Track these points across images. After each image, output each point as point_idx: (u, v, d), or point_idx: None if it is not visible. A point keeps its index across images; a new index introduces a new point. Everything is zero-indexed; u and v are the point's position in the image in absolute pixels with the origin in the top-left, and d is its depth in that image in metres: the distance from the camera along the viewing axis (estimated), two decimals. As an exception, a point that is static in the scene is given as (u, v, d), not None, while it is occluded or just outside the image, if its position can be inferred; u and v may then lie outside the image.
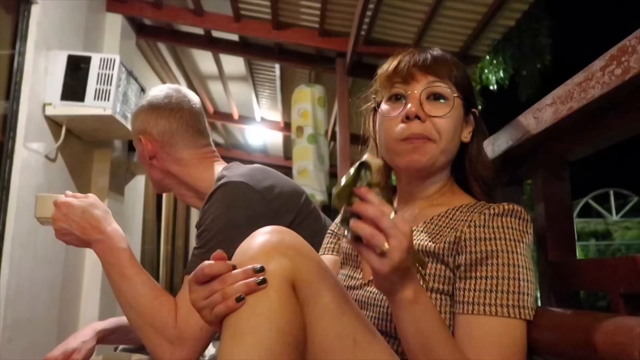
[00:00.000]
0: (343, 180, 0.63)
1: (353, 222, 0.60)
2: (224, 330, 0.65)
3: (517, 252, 0.74)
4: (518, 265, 0.74)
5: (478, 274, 0.74)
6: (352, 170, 0.63)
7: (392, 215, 0.60)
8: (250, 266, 0.66)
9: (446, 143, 0.83)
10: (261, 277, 0.65)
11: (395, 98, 0.86)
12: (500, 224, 0.76)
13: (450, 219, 0.83)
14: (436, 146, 0.82)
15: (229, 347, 0.63)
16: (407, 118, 0.82)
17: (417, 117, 0.82)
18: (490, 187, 0.87)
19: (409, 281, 0.65)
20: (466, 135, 0.89)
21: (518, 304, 0.71)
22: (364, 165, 0.63)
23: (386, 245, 0.59)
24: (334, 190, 0.63)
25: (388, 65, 0.89)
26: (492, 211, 0.78)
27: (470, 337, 0.71)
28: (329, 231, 1.07)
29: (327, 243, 1.04)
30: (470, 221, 0.78)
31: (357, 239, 0.61)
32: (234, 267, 0.67)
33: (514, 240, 0.75)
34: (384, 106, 0.88)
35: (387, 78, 0.88)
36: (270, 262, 0.67)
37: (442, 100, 0.84)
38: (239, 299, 0.64)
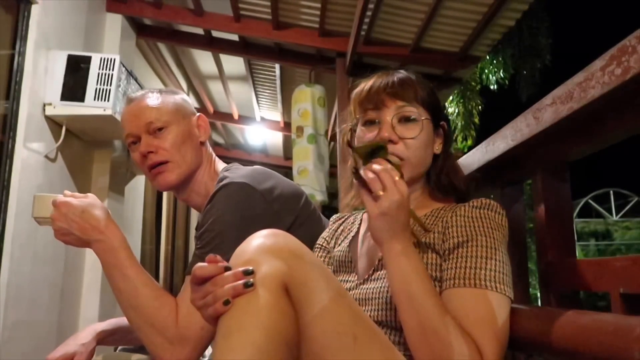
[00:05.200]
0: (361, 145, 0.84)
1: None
2: (217, 329, 0.67)
3: (493, 237, 0.83)
4: (494, 248, 0.81)
5: (459, 254, 0.82)
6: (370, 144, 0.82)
7: (397, 177, 0.74)
8: (240, 269, 0.68)
9: (417, 160, 0.92)
10: (250, 280, 0.67)
11: (370, 123, 0.94)
12: (479, 215, 0.86)
13: (436, 217, 0.91)
14: (408, 163, 0.91)
15: (220, 346, 0.65)
16: None
17: (390, 140, 0.91)
18: (457, 191, 0.96)
19: (400, 236, 0.75)
20: (437, 147, 0.98)
21: (495, 279, 0.78)
22: (382, 147, 0.80)
23: (380, 192, 0.73)
24: (356, 146, 0.83)
25: (360, 90, 0.96)
26: (473, 204, 0.89)
27: (452, 308, 0.76)
28: (317, 245, 1.09)
29: (317, 257, 1.06)
30: (453, 211, 0.88)
31: (362, 185, 0.76)
32: (228, 268, 0.69)
33: (491, 228, 0.84)
34: (359, 130, 0.96)
35: (360, 103, 0.96)
36: (263, 265, 0.68)
37: (411, 122, 0.92)
38: (226, 303, 0.66)
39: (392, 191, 0.73)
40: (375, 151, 0.79)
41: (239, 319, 0.65)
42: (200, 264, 0.70)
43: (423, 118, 0.92)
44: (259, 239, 0.73)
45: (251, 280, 0.67)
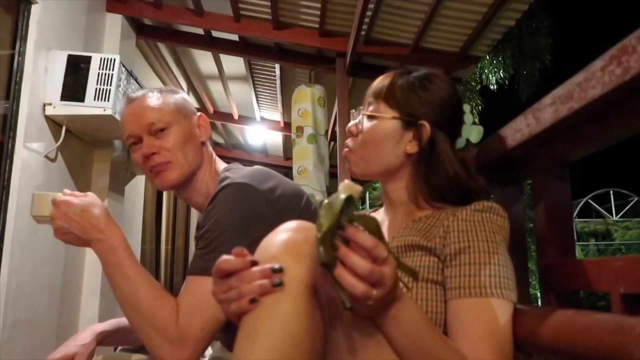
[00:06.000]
0: (323, 221, 0.57)
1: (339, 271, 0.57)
2: (240, 328, 0.64)
3: (495, 242, 0.81)
4: (496, 253, 0.80)
5: (461, 261, 0.80)
6: (335, 202, 0.58)
7: (382, 245, 0.58)
8: (269, 265, 0.64)
9: (365, 153, 0.95)
10: (278, 280, 0.63)
11: None
12: (481, 219, 0.84)
13: (437, 218, 0.89)
14: (354, 155, 0.97)
15: (243, 347, 0.62)
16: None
17: (350, 132, 0.98)
18: (442, 197, 0.91)
19: (389, 303, 0.66)
20: (408, 149, 0.93)
21: (500, 285, 0.77)
22: (349, 200, 0.58)
23: (370, 302, 0.59)
24: (317, 234, 0.57)
25: None
26: (474, 207, 0.86)
27: (459, 319, 0.76)
28: None
29: None
30: (454, 215, 0.86)
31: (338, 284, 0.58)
32: (255, 263, 0.65)
33: (492, 232, 0.82)
34: None
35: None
36: (292, 264, 0.64)
37: (370, 118, 0.96)
38: (252, 301, 0.62)
39: (384, 287, 0.60)
40: (344, 210, 0.58)
41: (265, 321, 0.62)
42: (225, 256, 0.66)
43: (379, 114, 0.94)
44: (287, 232, 0.68)
45: (280, 279, 0.63)
